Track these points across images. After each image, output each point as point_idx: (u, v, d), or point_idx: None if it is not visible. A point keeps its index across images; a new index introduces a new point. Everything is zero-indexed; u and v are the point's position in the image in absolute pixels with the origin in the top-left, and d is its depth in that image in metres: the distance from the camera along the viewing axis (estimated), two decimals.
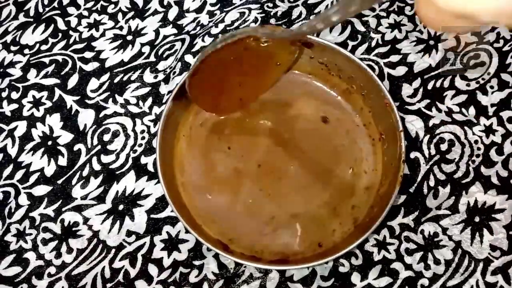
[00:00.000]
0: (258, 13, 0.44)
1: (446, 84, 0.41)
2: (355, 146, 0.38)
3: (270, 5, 0.44)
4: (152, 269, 0.36)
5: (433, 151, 0.39)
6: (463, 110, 0.40)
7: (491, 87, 0.40)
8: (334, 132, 0.38)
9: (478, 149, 0.39)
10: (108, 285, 0.36)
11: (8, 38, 0.45)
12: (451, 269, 0.36)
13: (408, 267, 0.36)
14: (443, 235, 0.36)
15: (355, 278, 0.36)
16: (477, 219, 0.37)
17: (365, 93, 0.37)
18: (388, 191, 0.33)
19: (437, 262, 0.36)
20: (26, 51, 0.44)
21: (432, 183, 0.38)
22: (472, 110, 0.40)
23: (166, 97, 0.41)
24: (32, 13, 0.46)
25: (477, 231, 0.36)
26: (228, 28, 0.43)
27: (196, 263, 0.36)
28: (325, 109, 0.39)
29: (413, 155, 0.39)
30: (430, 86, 0.40)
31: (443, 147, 0.39)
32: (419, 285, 0.35)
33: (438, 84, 0.41)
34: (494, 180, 0.38)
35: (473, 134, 0.39)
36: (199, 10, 0.45)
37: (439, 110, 0.40)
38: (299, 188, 0.37)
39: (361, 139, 0.38)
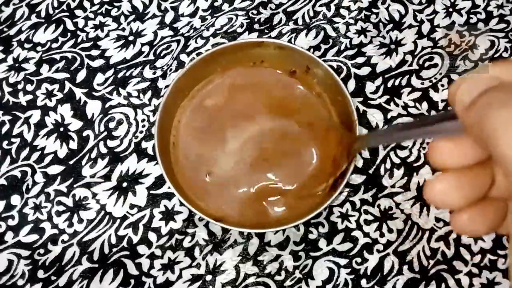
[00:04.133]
0: (244, 19, 0.50)
1: (404, 82, 0.48)
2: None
3: (254, 12, 0.51)
4: (152, 236, 0.43)
5: None
6: (417, 105, 0.47)
7: (442, 85, 0.48)
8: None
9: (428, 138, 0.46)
10: (114, 249, 0.43)
11: (22, 36, 0.50)
12: (402, 237, 0.43)
13: (366, 234, 0.43)
14: (396, 209, 0.44)
15: (322, 243, 0.43)
16: None
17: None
18: (345, 172, 0.39)
19: (390, 231, 0.43)
20: (39, 48, 0.50)
21: (388, 165, 0.45)
22: (425, 105, 0.47)
23: (164, 91, 0.48)
24: (43, 14, 0.51)
25: (424, 206, 0.44)
26: (218, 32, 0.50)
27: (189, 231, 0.43)
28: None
29: None
30: (389, 84, 0.48)
31: None
32: (375, 249, 0.42)
33: (396, 83, 0.48)
34: None
35: None
36: (192, 15, 0.51)
37: (397, 105, 0.47)
38: (280, 169, 0.42)
39: None
